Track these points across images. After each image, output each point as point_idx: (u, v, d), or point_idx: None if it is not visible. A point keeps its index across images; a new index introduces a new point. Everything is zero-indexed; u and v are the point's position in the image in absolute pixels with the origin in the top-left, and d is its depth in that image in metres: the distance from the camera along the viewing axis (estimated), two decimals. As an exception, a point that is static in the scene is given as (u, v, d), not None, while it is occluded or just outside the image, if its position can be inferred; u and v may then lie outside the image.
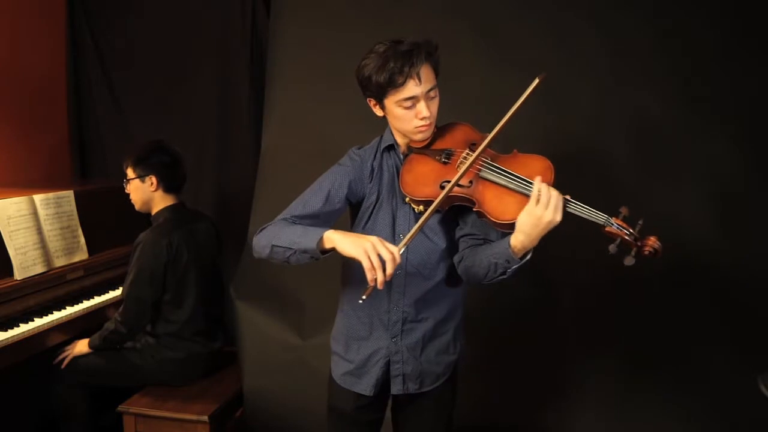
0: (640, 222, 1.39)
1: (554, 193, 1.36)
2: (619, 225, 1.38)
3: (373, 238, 1.37)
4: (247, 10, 3.02)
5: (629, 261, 1.37)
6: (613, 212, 1.40)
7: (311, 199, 1.59)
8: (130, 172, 2.48)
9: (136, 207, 2.53)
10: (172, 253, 2.38)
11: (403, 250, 1.40)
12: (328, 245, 1.42)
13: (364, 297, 1.39)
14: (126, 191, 2.52)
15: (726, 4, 2.12)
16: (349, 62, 2.32)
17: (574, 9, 2.22)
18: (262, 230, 1.57)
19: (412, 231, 1.44)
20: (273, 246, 1.50)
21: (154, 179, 2.45)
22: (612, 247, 1.38)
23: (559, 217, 1.35)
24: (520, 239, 1.38)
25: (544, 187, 1.36)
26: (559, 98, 2.16)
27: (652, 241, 1.38)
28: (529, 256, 1.43)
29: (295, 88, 2.50)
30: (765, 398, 1.67)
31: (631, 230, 1.38)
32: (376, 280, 1.34)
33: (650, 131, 2.20)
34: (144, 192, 2.48)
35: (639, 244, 1.38)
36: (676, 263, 2.12)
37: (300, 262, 1.48)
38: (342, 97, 2.39)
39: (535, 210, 1.34)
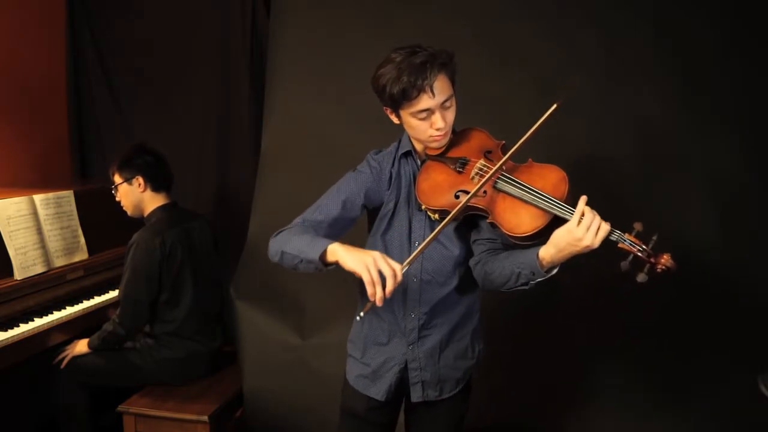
0: (654, 238, 1.36)
1: (598, 218, 1.33)
2: (632, 241, 1.36)
3: (375, 254, 1.36)
4: (247, 10, 3.02)
5: (642, 278, 1.35)
6: (626, 227, 1.37)
7: (328, 205, 1.58)
8: (117, 178, 2.50)
9: (128, 212, 2.54)
10: (165, 251, 2.38)
11: (407, 267, 1.39)
12: (331, 258, 1.42)
13: (362, 314, 1.40)
14: (116, 199, 2.53)
15: (726, 4, 2.12)
16: (349, 62, 2.35)
17: (573, 9, 2.22)
18: (278, 234, 1.56)
19: (420, 247, 1.43)
20: (283, 252, 1.50)
21: (141, 180, 2.46)
22: (624, 264, 1.35)
23: (597, 244, 1.33)
24: (551, 252, 1.37)
25: (588, 210, 1.34)
26: (558, 99, 2.16)
27: (665, 259, 1.35)
28: (555, 271, 1.41)
29: (295, 88, 2.50)
30: (765, 398, 1.67)
31: (644, 246, 1.35)
32: (375, 296, 1.33)
33: (650, 132, 2.20)
34: (133, 194, 2.49)
35: (652, 260, 1.35)
36: (676, 262, 2.12)
37: (308, 271, 1.47)
38: (342, 97, 2.39)
39: (576, 231, 1.32)
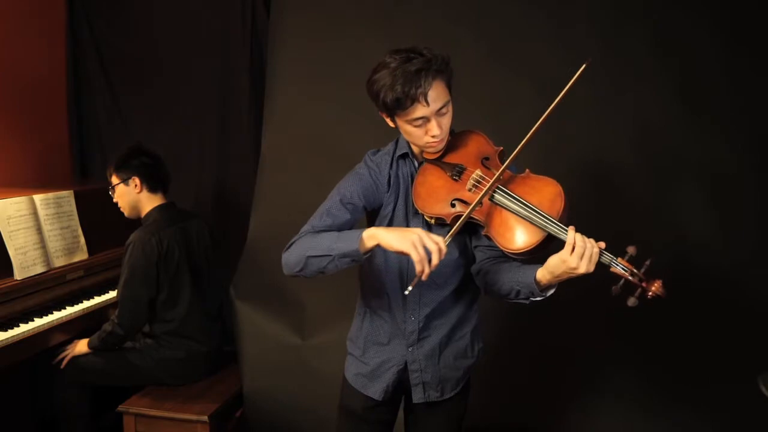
0: (647, 263, 1.35)
1: (590, 245, 1.32)
2: (624, 266, 1.34)
3: (418, 230, 1.36)
4: (247, 10, 3.02)
5: (632, 302, 1.34)
6: (618, 244, 1.36)
7: (334, 210, 1.56)
8: (114, 179, 2.50)
9: (126, 213, 2.54)
10: (162, 250, 2.38)
11: (449, 240, 1.39)
12: (370, 243, 1.40)
13: (410, 288, 1.38)
14: (114, 200, 2.53)
15: (726, 6, 2.12)
16: (349, 62, 2.35)
17: (573, 10, 2.22)
18: (289, 247, 1.54)
19: (455, 227, 1.43)
20: (308, 257, 1.47)
21: (137, 180, 2.46)
22: (615, 288, 1.35)
23: (592, 269, 1.32)
24: (547, 278, 1.37)
25: (579, 237, 1.32)
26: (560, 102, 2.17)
27: (656, 287, 1.34)
28: (552, 290, 1.42)
29: (295, 88, 2.51)
30: (765, 398, 1.67)
31: (635, 271, 1.34)
32: (423, 272, 1.33)
33: (650, 132, 2.21)
34: (130, 195, 2.49)
35: (644, 285, 1.34)
36: (676, 263, 2.12)
37: (338, 269, 1.45)
38: (342, 97, 2.40)
39: (570, 260, 1.31)
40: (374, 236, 1.39)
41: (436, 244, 1.33)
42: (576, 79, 1.42)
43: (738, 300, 2.15)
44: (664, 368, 2.24)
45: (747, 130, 2.13)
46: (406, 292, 1.40)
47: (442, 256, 1.34)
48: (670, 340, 2.21)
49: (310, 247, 1.48)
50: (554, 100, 1.42)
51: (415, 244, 1.33)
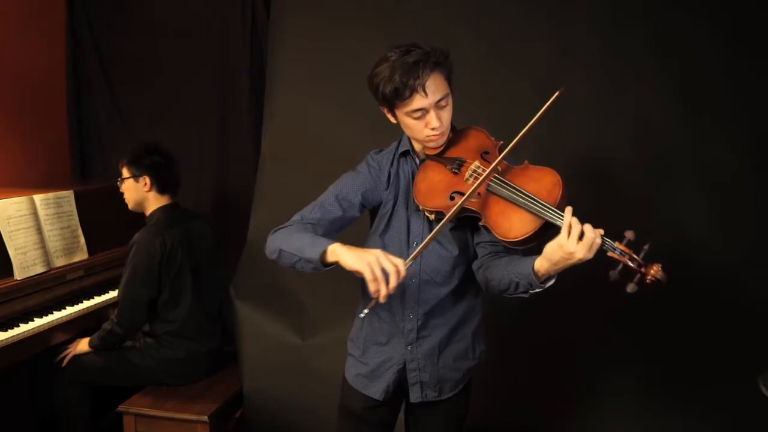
0: (645, 247, 1.32)
1: (588, 229, 1.29)
2: (622, 250, 1.32)
3: (377, 251, 1.35)
4: (247, 10, 3.02)
5: (631, 288, 1.31)
6: (617, 235, 1.34)
7: (326, 204, 1.58)
8: (125, 172, 2.51)
9: (129, 206, 2.55)
10: (165, 251, 2.38)
11: (410, 263, 1.38)
12: (331, 258, 1.41)
13: (366, 311, 1.39)
14: (120, 190, 2.54)
15: (725, 6, 2.12)
16: (349, 62, 2.35)
17: (573, 10, 2.22)
18: (276, 231, 1.56)
19: (422, 245, 1.43)
20: (281, 250, 1.50)
21: (147, 180, 2.47)
22: (613, 273, 1.32)
23: (591, 255, 1.30)
24: (545, 266, 1.34)
25: (576, 221, 1.30)
26: (558, 101, 2.16)
27: (655, 270, 1.31)
28: (552, 282, 1.39)
29: (295, 88, 2.51)
30: (765, 398, 1.67)
31: (634, 256, 1.31)
32: (379, 293, 1.32)
33: (650, 132, 2.20)
34: (137, 192, 2.49)
35: (642, 271, 1.31)
36: (675, 263, 2.12)
37: (305, 270, 1.48)
38: (342, 96, 2.40)
39: (567, 245, 1.28)
40: (335, 252, 1.41)
41: (395, 266, 1.33)
42: (549, 104, 1.42)
43: (738, 300, 2.15)
44: (664, 368, 2.24)
45: (747, 130, 2.13)
46: (361, 315, 1.40)
47: (401, 279, 1.33)
48: (670, 340, 2.21)
49: (285, 241, 1.51)
50: (536, 115, 1.43)
51: (371, 265, 1.32)
